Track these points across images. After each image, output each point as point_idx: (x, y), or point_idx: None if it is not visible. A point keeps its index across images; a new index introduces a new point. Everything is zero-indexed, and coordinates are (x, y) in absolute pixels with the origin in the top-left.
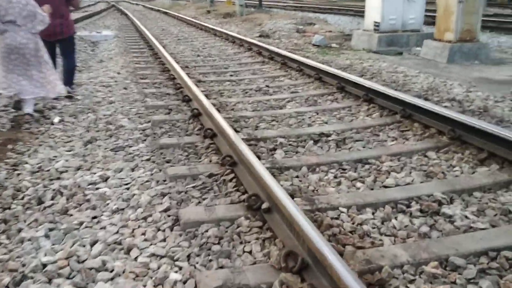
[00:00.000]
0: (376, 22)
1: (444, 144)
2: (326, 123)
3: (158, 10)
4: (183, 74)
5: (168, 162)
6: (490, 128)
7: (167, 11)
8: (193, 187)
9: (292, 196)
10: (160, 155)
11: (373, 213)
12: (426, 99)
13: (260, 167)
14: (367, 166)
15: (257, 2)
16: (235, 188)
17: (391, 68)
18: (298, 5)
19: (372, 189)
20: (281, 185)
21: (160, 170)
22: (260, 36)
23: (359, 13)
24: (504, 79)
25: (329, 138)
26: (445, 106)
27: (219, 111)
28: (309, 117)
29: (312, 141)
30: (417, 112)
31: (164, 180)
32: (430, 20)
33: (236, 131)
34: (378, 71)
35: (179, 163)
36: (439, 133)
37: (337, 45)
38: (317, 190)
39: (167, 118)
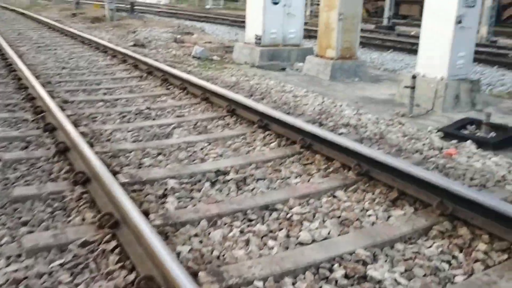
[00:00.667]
0: (257, 36)
1: (352, 181)
2: (221, 156)
3: (14, 10)
4: (44, 93)
5: (24, 224)
6: (396, 164)
7: (24, 11)
8: (60, 265)
9: (196, 274)
10: (13, 213)
11: (293, 284)
12: (320, 124)
13: (148, 230)
14: (275, 214)
15: (129, 7)
16: (119, 264)
17: (279, 86)
18: (172, 12)
19: (287, 247)
20: (180, 252)
21: (13, 239)
22: (134, 45)
23: (236, 23)
24: (385, 98)
25: (228, 177)
26: (341, 133)
27: (91, 144)
28: (201, 149)
29: (208, 183)
30: (317, 141)
31: (19, 256)
32: (309, 34)
33: (115, 173)
34: (267, 90)
35: (41, 226)
36: (344, 167)
37: (218, 57)
38: (223, 256)
39: (24, 156)
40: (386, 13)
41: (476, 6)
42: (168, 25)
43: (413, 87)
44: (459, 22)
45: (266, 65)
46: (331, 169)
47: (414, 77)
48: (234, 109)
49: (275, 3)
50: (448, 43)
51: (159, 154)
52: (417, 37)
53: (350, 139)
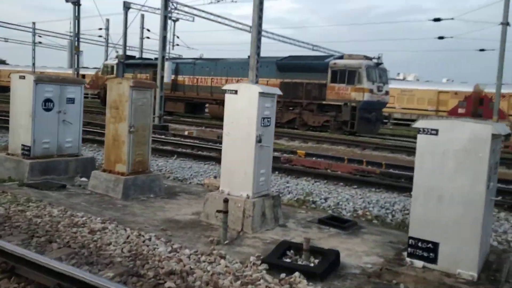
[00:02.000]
0: (25, 146)
1: None
2: None
3: None
4: None
5: None
6: None
7: None
8: None
9: None
10: None
11: None
12: (139, 275)
13: None
14: None
15: None
16: None
17: (66, 215)
18: None
19: None
20: None
21: None
22: None
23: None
24: (191, 219)
25: None
26: None
27: None
28: None
29: None
30: None
31: None
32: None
33: None
34: (53, 225)
35: None
36: None
37: None
38: None
39: None
40: (157, 111)
41: (271, 125)
42: None
43: (226, 212)
44: (259, 141)
45: (41, 182)
46: None
47: (226, 200)
48: (14, 266)
49: (48, 110)
50: (251, 161)
51: None
52: (193, 137)
53: None
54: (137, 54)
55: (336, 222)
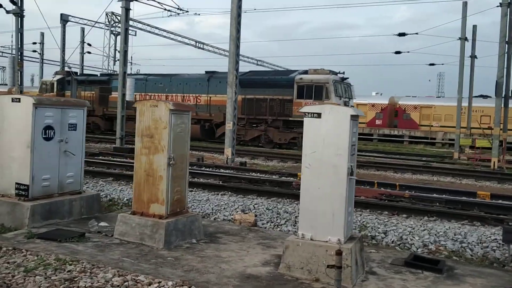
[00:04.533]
0: (21, 185)
1: None
2: None
3: None
4: None
5: None
6: None
7: None
8: None
9: None
10: None
11: None
12: None
13: None
14: None
15: None
16: None
17: (129, 280)
18: None
19: None
20: None
21: None
22: None
23: None
24: (267, 272)
25: None
26: None
27: None
28: None
29: None
30: None
31: None
32: None
33: None
34: None
35: None
36: None
37: None
38: None
39: None
40: (119, 132)
41: (355, 153)
42: None
43: (340, 267)
44: (351, 173)
45: (53, 232)
46: None
47: (339, 253)
48: None
49: (48, 139)
50: (341, 199)
51: None
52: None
53: None
54: (77, 71)
55: (424, 263)
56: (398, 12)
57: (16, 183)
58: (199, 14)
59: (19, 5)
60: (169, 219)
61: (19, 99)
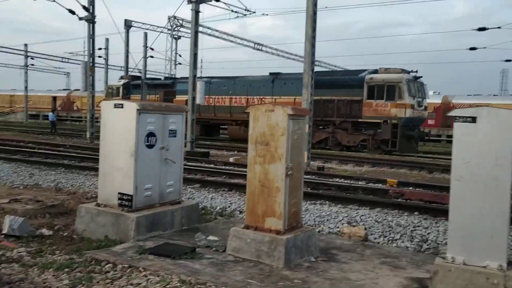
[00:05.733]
0: (124, 195)
1: None
2: None
3: None
4: None
5: None
6: None
7: None
8: None
9: None
10: None
11: None
12: None
13: None
14: None
15: None
16: None
17: None
18: None
19: None
20: None
21: None
22: None
23: (50, 158)
24: None
25: None
26: None
27: None
28: None
29: None
30: None
31: None
32: None
33: None
34: None
35: None
36: None
37: (49, 230)
38: None
39: None
40: (189, 136)
41: None
42: None
43: None
44: None
45: (163, 246)
46: None
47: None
48: None
49: (150, 146)
50: (504, 217)
51: None
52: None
53: None
54: (141, 75)
55: None
56: (454, 8)
57: (119, 193)
58: (267, 15)
59: (91, 11)
60: (288, 235)
61: (122, 104)
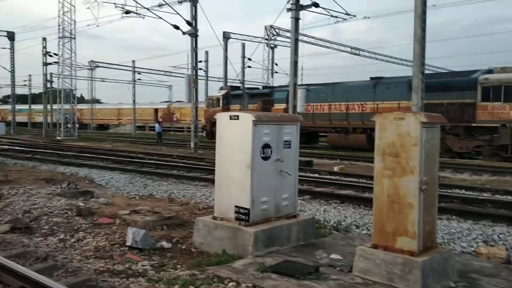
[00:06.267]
0: (241, 208)
1: None
2: None
3: None
4: None
5: None
6: None
7: None
8: None
9: None
10: None
11: None
12: None
13: None
14: None
15: None
16: None
17: None
18: (26, 149)
19: None
20: None
21: None
22: (12, 229)
23: (160, 169)
24: None
25: None
26: None
27: None
28: None
29: None
30: None
31: None
32: None
33: None
34: None
35: None
36: None
37: (168, 243)
38: None
39: None
40: None
41: None
42: (43, 177)
43: None
44: None
45: (284, 264)
46: None
47: None
48: None
49: (266, 158)
50: None
51: None
52: (349, 174)
53: None
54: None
55: None
56: None
57: (236, 206)
58: (368, 17)
59: (194, 25)
60: (424, 257)
61: (238, 116)
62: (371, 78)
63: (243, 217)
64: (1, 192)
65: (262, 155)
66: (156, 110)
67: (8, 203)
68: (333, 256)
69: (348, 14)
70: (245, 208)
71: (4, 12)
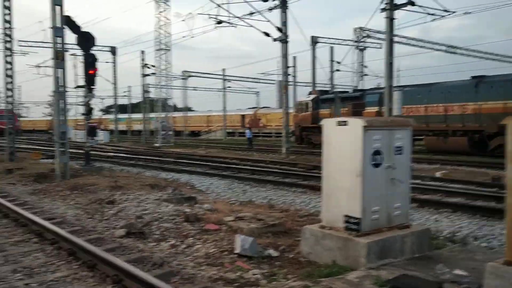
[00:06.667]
0: (351, 217)
1: None
2: None
3: None
4: None
5: None
6: None
7: None
8: None
9: None
10: None
11: None
12: None
13: None
14: None
15: (84, 155)
16: None
17: None
18: (129, 156)
19: None
20: None
21: None
22: (128, 234)
23: (256, 174)
24: None
25: None
26: None
27: None
28: None
29: None
30: None
31: None
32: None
33: None
34: None
35: None
36: None
37: (275, 251)
38: None
39: None
40: None
41: None
42: (149, 183)
43: None
44: None
45: (402, 280)
46: None
47: None
48: None
49: (377, 165)
50: None
51: None
52: (458, 180)
53: None
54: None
55: None
56: None
57: (345, 216)
58: (470, 13)
59: (284, 31)
60: None
61: (346, 122)
62: (472, 77)
63: (354, 227)
64: (114, 198)
65: (373, 162)
66: (243, 116)
67: (121, 208)
68: (457, 272)
69: (446, 11)
70: (355, 218)
71: (107, 31)
